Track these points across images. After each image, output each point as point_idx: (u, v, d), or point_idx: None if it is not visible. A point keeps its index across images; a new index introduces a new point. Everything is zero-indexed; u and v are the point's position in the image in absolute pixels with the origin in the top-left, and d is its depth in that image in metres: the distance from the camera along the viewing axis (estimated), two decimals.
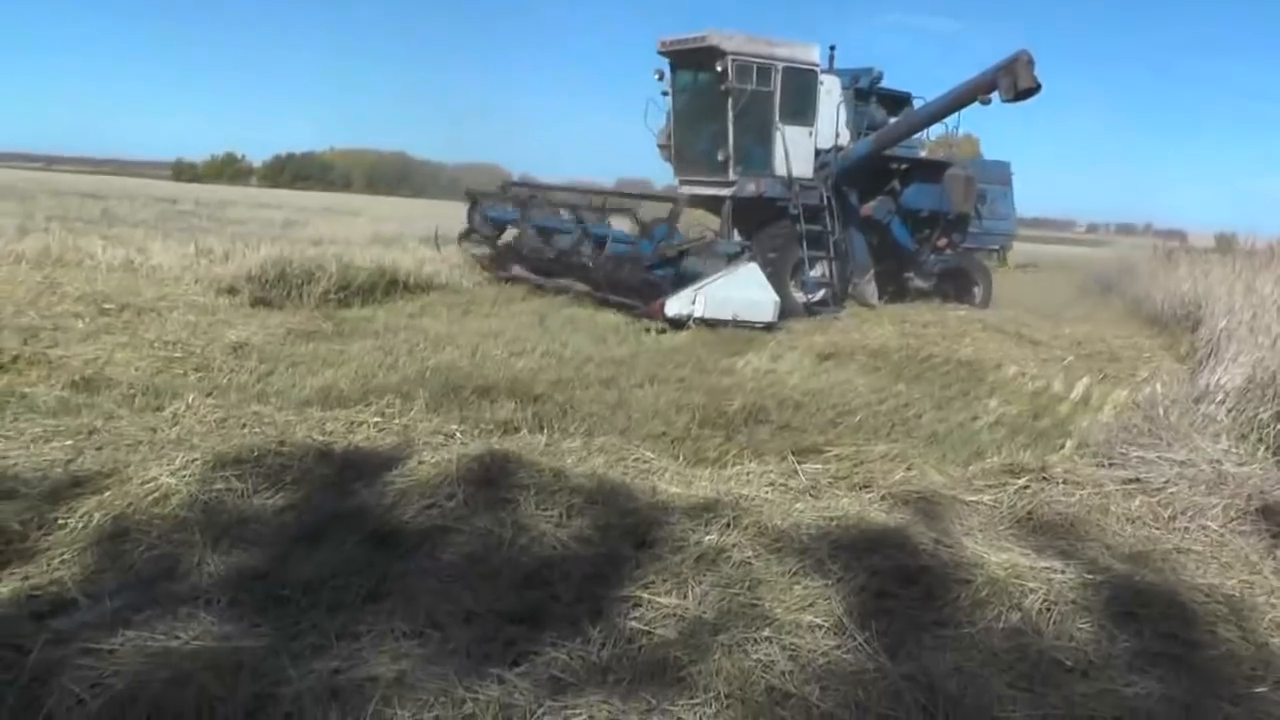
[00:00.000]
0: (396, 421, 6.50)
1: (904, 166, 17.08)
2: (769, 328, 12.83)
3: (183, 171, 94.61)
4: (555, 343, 10.97)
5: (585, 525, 4.72)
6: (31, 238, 15.30)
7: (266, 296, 12.37)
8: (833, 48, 16.81)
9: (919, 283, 17.92)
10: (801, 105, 15.76)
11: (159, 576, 3.98)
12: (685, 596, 4.06)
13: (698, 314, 12.40)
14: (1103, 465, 6.47)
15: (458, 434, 6.35)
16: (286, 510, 4.79)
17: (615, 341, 11.69)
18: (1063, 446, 7.54)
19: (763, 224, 15.68)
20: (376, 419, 6.50)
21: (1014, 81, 12.89)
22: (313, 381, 7.98)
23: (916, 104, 17.23)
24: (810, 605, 4.03)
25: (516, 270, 15.66)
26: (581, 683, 3.44)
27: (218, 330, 9.75)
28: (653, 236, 13.98)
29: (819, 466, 6.04)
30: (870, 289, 16.81)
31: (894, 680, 3.51)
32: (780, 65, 15.37)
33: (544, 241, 15.65)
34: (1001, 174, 19.39)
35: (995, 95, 13.65)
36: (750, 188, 15.72)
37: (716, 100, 15.40)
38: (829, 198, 15.57)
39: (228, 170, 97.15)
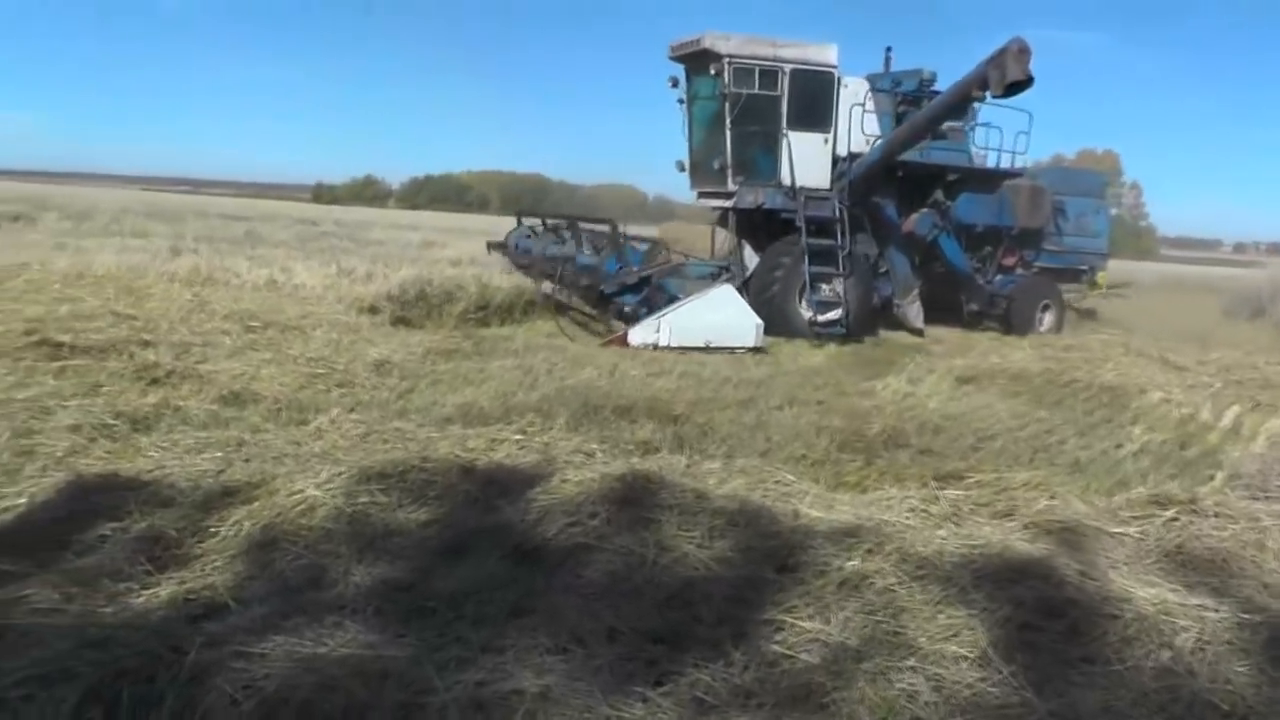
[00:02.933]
0: (537, 440, 6.67)
1: (952, 177, 16.07)
2: (755, 351, 12.50)
3: (323, 194, 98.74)
4: (693, 363, 11.15)
5: (727, 547, 4.77)
6: (182, 258, 16.17)
7: (407, 315, 12.87)
8: (888, 49, 16.40)
9: (974, 306, 16.81)
10: (815, 110, 15.03)
11: (306, 585, 4.18)
12: (828, 622, 4.06)
13: (663, 342, 12.13)
14: (1257, 498, 6.24)
15: (598, 453, 6.46)
16: (430, 524, 4.97)
17: (753, 362, 11.85)
18: (1213, 478, 7.32)
19: (773, 238, 15.11)
20: (518, 437, 6.68)
21: (1002, 74, 11.87)
22: (453, 399, 8.23)
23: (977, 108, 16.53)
24: (954, 635, 3.99)
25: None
26: (725, 705, 3.47)
27: (360, 348, 10.15)
28: (624, 259, 13.93)
29: (960, 493, 5.98)
30: (913, 310, 15.90)
31: (1041, 717, 3.45)
32: (788, 67, 14.74)
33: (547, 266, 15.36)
34: (1091, 186, 18.06)
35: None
36: (750, 199, 15.24)
37: (720, 106, 15.03)
38: (842, 210, 14.58)
39: (366, 192, 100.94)
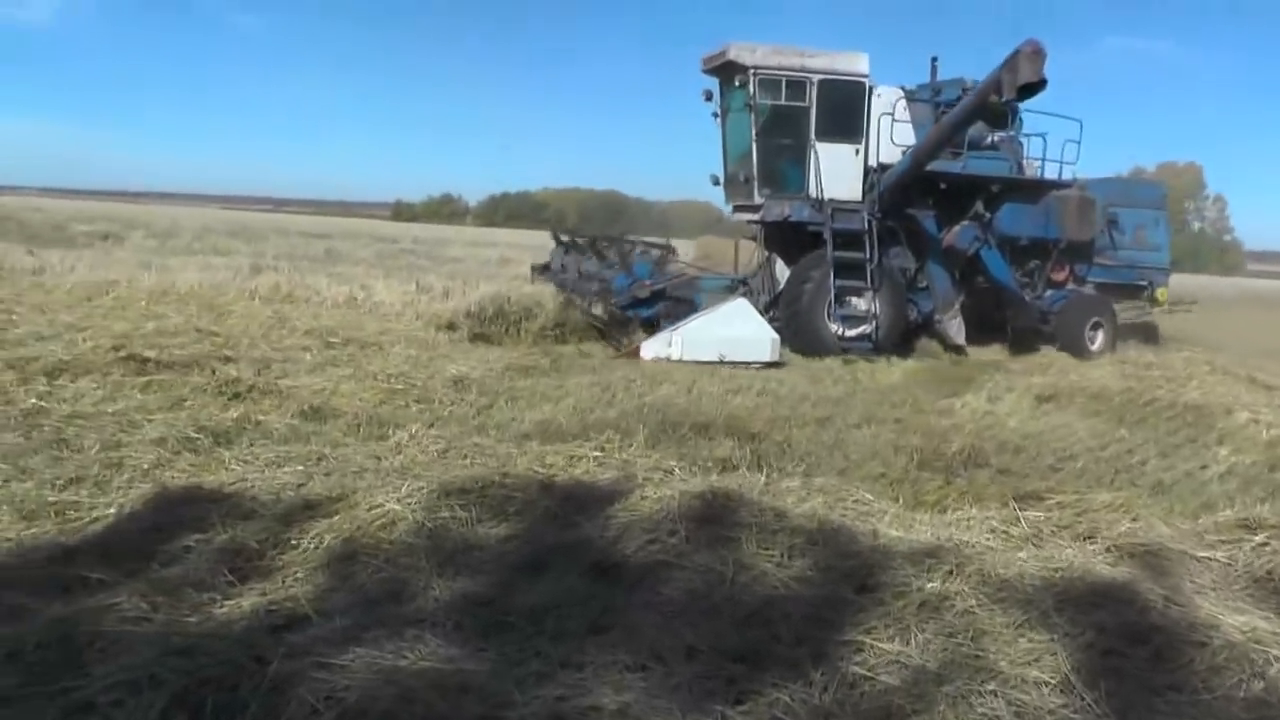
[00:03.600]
0: (616, 456, 6.70)
1: (995, 188, 15.55)
2: (771, 366, 12.40)
3: (401, 212, 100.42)
4: (771, 381, 11.17)
5: (806, 566, 4.75)
6: (263, 275, 16.56)
7: (485, 332, 13.02)
8: (934, 59, 16.06)
9: (1020, 322, 16.04)
10: (844, 120, 14.74)
11: (387, 598, 4.23)
12: (908, 644, 4.02)
13: (675, 356, 12.15)
14: None
15: (677, 470, 6.47)
16: (510, 540, 5.01)
17: (830, 381, 11.81)
18: None
19: (804, 251, 14.81)
20: (596, 453, 6.72)
21: (1015, 77, 11.41)
22: (531, 415, 8.29)
23: (1025, 117, 16.17)
24: (1036, 660, 3.93)
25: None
26: None
27: (438, 364, 10.29)
28: (633, 273, 14.00)
29: (1040, 514, 5.88)
30: (954, 326, 15.40)
31: None
32: (816, 78, 14.51)
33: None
34: (1149, 198, 17.26)
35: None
36: (776, 211, 15.05)
37: (748, 118, 14.86)
38: (871, 222, 14.34)
39: (444, 210, 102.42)
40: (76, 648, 3.53)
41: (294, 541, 4.78)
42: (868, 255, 14.12)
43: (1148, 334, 17.68)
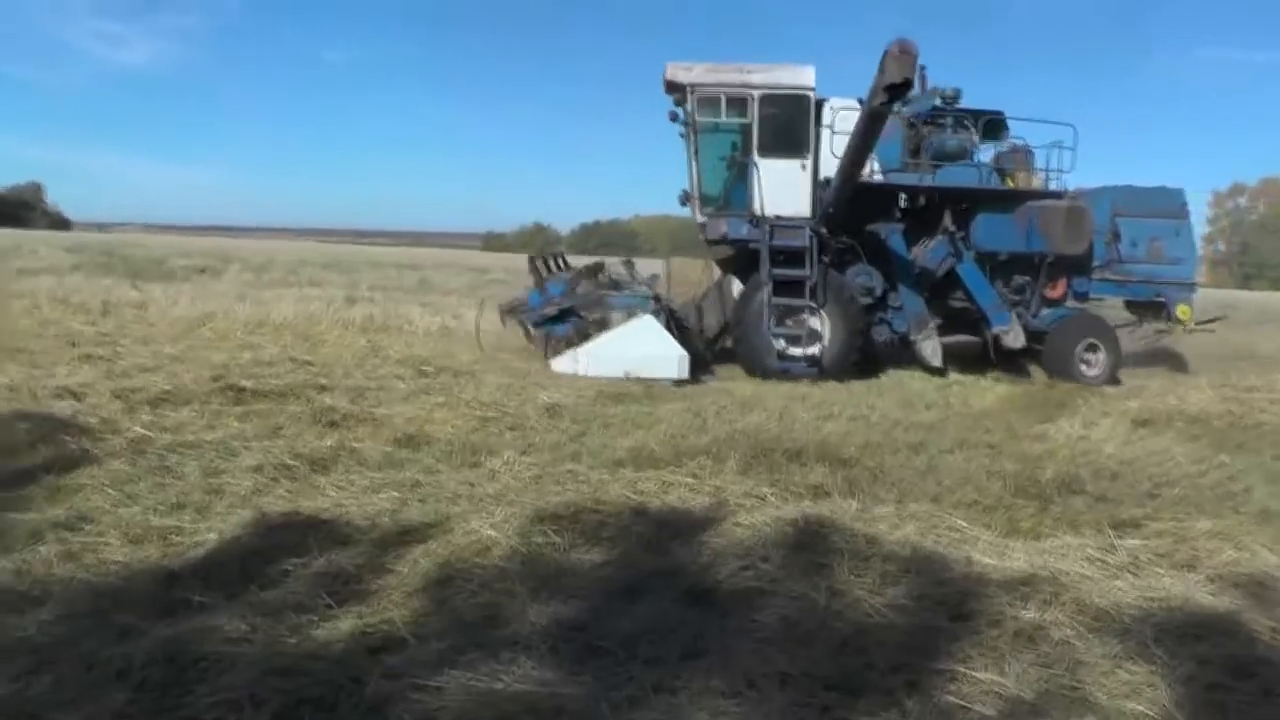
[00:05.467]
0: (709, 483, 6.79)
1: (964, 202, 15.01)
2: (681, 384, 12.34)
3: (493, 242, 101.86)
4: (863, 406, 11.14)
5: (900, 594, 4.76)
6: (357, 306, 16.98)
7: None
8: (922, 67, 15.19)
9: (1009, 342, 15.10)
10: (788, 135, 14.40)
11: (482, 622, 4.32)
12: (1004, 673, 3.99)
13: (582, 372, 12.30)
14: None
15: (769, 496, 6.52)
16: (604, 565, 5.09)
17: (922, 406, 11.74)
18: None
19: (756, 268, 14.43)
20: (689, 480, 6.81)
21: (881, 78, 10.68)
22: (624, 442, 8.37)
23: (1011, 125, 15.73)
24: (1135, 693, 3.88)
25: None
26: None
27: (530, 392, 10.43)
28: (545, 291, 14.10)
29: (1138, 542, 5.82)
30: (929, 347, 14.81)
31: None
32: (756, 93, 14.28)
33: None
34: (1166, 207, 15.67)
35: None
36: (715, 230, 14.94)
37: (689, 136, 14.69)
38: (813, 239, 13.93)
39: (536, 239, 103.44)
40: (181, 667, 3.69)
41: (390, 566, 4.92)
42: (808, 272, 13.87)
43: (1169, 356, 16.83)
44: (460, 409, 9.25)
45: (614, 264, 16.76)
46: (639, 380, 12.03)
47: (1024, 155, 15.57)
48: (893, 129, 14.81)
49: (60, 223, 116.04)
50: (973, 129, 15.57)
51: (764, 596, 4.65)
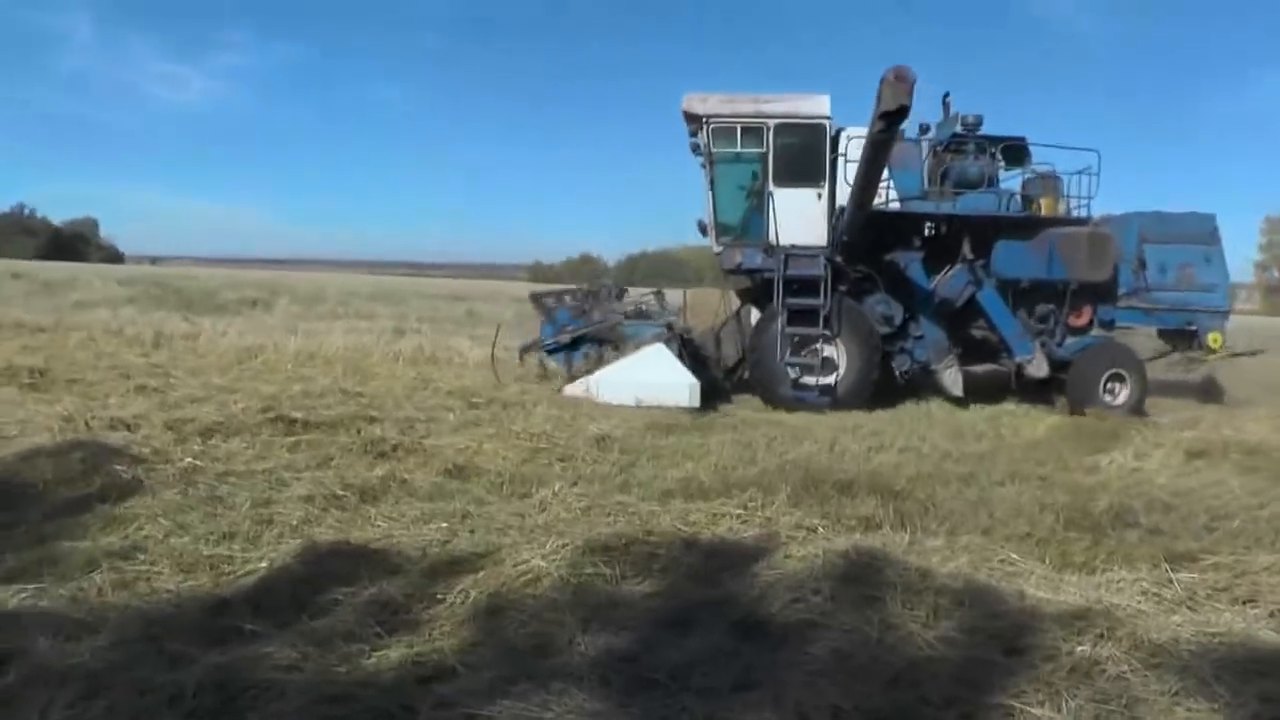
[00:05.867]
0: (759, 514, 6.76)
1: (984, 232, 14.77)
2: (696, 411, 12.42)
3: (541, 273, 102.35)
4: (913, 437, 11.09)
5: (952, 627, 4.70)
6: (406, 338, 17.12)
7: None
8: (945, 95, 15.53)
9: (1032, 371, 14.82)
10: (804, 164, 14.49)
11: (532, 652, 4.31)
12: (1059, 709, 3.92)
13: (594, 398, 12.56)
14: None
15: (820, 528, 6.50)
16: (654, 596, 5.07)
17: (973, 437, 11.66)
18: None
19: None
20: (739, 511, 6.78)
21: (878, 106, 10.47)
22: (674, 473, 8.36)
23: (1035, 151, 15.45)
24: None
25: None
26: None
27: (580, 423, 10.46)
28: (555, 321, 14.38)
29: (1195, 576, 5.72)
30: (949, 376, 14.67)
31: None
32: (772, 123, 14.33)
33: None
34: (1196, 232, 15.21)
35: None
36: (731, 260, 15.01)
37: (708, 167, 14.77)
38: (828, 267, 13.96)
39: (584, 270, 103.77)
40: (232, 694, 3.72)
41: (440, 596, 4.92)
42: (825, 303, 13.87)
43: (1205, 386, 16.39)
44: (510, 440, 9.28)
45: (645, 294, 16.96)
46: (651, 408, 12.18)
47: (1052, 181, 15.36)
48: (912, 157, 14.95)
49: (114, 256, 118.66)
50: (996, 156, 15.38)
51: (815, 629, 4.61)
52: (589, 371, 13.36)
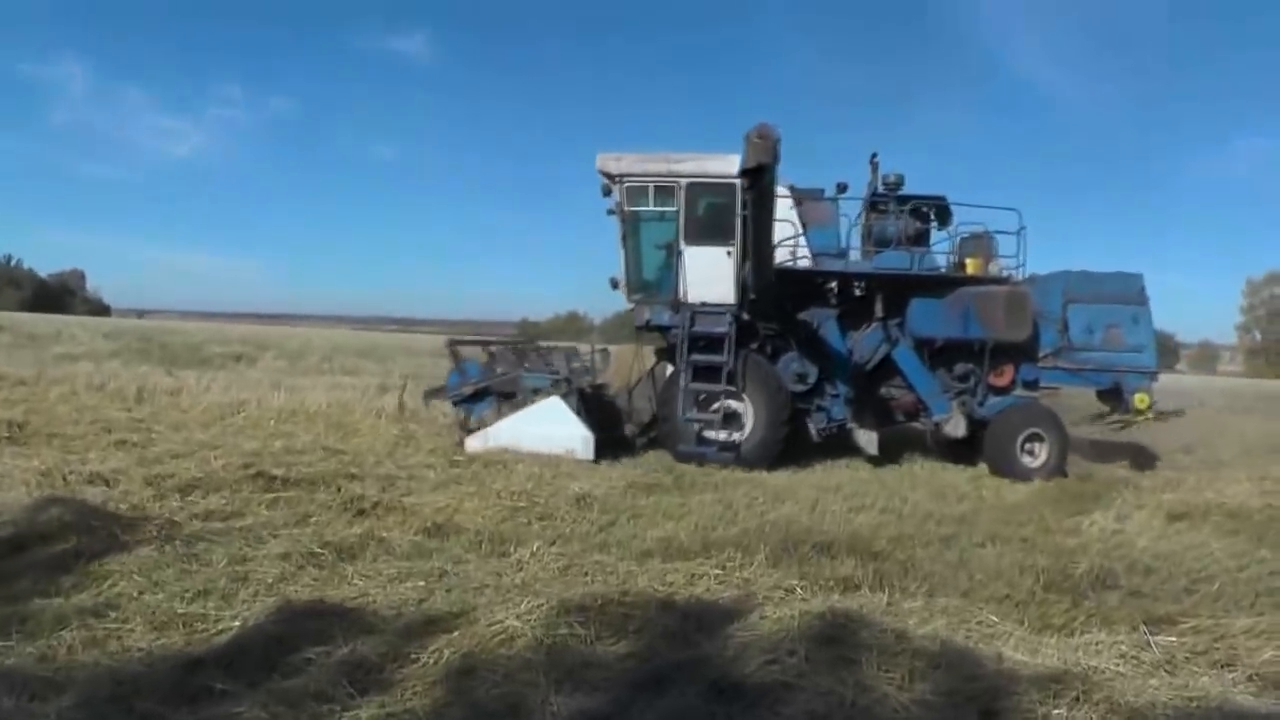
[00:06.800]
0: (737, 575, 6.80)
1: (899, 290, 14.88)
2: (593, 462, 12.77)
3: (528, 329, 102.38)
4: (895, 498, 11.11)
5: (928, 690, 4.72)
6: (389, 394, 17.09)
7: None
8: (873, 155, 15.63)
9: (949, 430, 14.78)
10: (715, 223, 14.50)
11: (504, 713, 4.33)
12: None
13: (492, 448, 12.79)
14: None
15: (798, 589, 6.51)
16: (628, 657, 5.08)
17: (955, 498, 11.73)
18: None
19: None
20: (717, 571, 6.81)
21: (741, 162, 10.42)
22: (653, 533, 8.38)
23: (954, 209, 15.49)
24: None
25: None
26: None
27: (561, 482, 10.48)
28: (464, 372, 14.73)
29: (1174, 639, 5.76)
30: (863, 436, 14.80)
31: None
32: (684, 182, 14.39)
33: None
34: (1123, 292, 15.10)
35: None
36: (641, 316, 15.22)
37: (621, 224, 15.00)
38: (732, 325, 14.01)
39: (570, 328, 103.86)
40: None
41: (414, 656, 4.93)
42: (725, 358, 13.89)
43: (1127, 448, 16.36)
44: (490, 499, 9.31)
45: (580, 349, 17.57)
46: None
47: (984, 241, 15.41)
48: (828, 215, 15.11)
49: (100, 309, 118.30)
50: (915, 216, 15.45)
51: (790, 691, 4.63)
52: (488, 424, 13.63)
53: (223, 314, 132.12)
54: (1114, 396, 15.20)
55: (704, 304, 14.41)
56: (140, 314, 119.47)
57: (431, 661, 4.86)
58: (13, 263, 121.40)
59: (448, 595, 6.07)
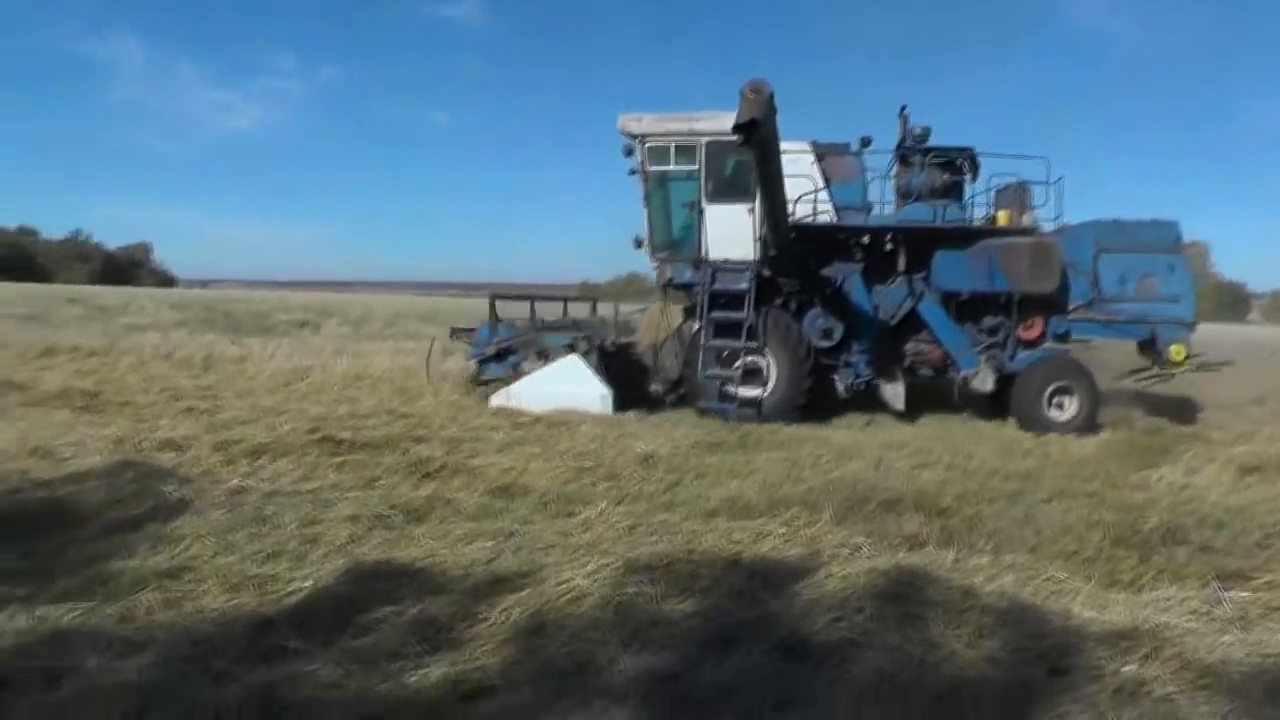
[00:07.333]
0: (803, 533, 6.78)
1: (913, 240, 14.75)
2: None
3: (589, 291, 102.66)
4: (960, 454, 10.98)
5: (996, 647, 4.69)
6: (453, 358, 17.20)
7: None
8: (903, 109, 15.49)
9: (977, 385, 14.60)
10: (736, 180, 14.51)
11: (573, 671, 4.35)
12: None
13: (514, 407, 13.16)
14: None
15: (864, 547, 6.50)
16: (696, 616, 5.08)
17: (1020, 454, 11.56)
18: None
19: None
20: (783, 530, 6.80)
21: (734, 118, 10.26)
22: (718, 492, 8.38)
23: (982, 160, 15.32)
24: None
25: None
26: None
27: (625, 442, 10.51)
28: (476, 342, 15.08)
29: (1247, 595, 5.65)
30: (889, 390, 14.73)
31: None
32: (704, 140, 14.36)
33: None
34: (1158, 241, 14.59)
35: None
36: (664, 274, 15.33)
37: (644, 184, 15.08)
38: (752, 282, 14.03)
39: (630, 289, 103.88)
40: (276, 712, 3.80)
41: (483, 615, 4.97)
42: (746, 314, 13.94)
43: (1164, 401, 15.92)
44: (555, 460, 9.35)
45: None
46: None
47: (1019, 191, 15.13)
48: (853, 170, 15.05)
49: (166, 280, 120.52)
50: (947, 169, 15.30)
51: (858, 648, 4.62)
52: (510, 382, 14.03)
53: (284, 282, 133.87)
54: (1152, 349, 14.86)
55: (726, 261, 14.48)
56: (204, 284, 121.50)
57: (501, 620, 4.90)
58: (82, 237, 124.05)
59: (515, 555, 6.10)
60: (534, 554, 6.13)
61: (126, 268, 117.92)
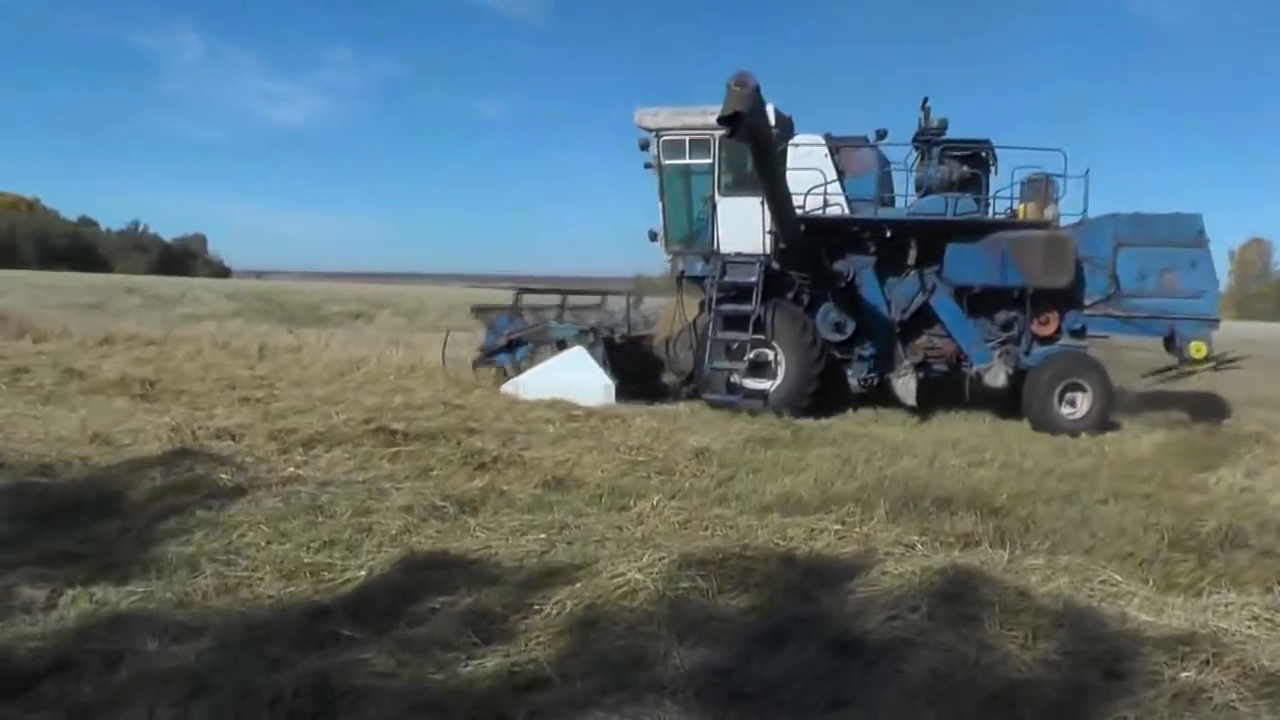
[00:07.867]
0: (857, 530, 6.75)
1: (925, 234, 14.46)
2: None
3: (643, 284, 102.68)
4: (1014, 453, 10.92)
5: (1051, 649, 4.63)
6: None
7: None
8: (924, 100, 15.33)
9: (989, 381, 14.30)
10: (750, 174, 13.89)
11: (627, 665, 4.36)
12: None
13: (521, 397, 13.46)
14: None
15: (918, 545, 6.45)
16: (749, 611, 5.08)
17: (1075, 453, 11.45)
18: None
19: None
20: (837, 526, 6.78)
21: (721, 110, 10.24)
22: (772, 487, 8.37)
23: (999, 153, 15.17)
24: None
25: None
26: None
27: (679, 436, 10.53)
28: (494, 327, 15.39)
29: None
30: (901, 385, 14.33)
31: None
32: (718, 134, 13.82)
33: None
34: (1180, 235, 14.11)
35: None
36: (677, 267, 15.39)
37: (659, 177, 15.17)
38: (760, 275, 14.04)
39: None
40: (329, 698, 3.84)
41: (536, 606, 5.00)
42: (753, 307, 13.94)
43: (1190, 398, 15.51)
44: (609, 453, 9.38)
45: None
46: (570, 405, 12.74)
47: (1043, 185, 14.81)
48: (868, 162, 15.02)
49: (221, 271, 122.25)
50: (968, 162, 15.14)
51: (911, 648, 4.58)
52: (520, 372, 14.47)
53: (339, 273, 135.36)
54: (1172, 345, 14.47)
55: (736, 254, 14.56)
56: (259, 275, 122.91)
57: (554, 612, 4.92)
58: (139, 228, 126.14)
59: (569, 548, 6.14)
60: (588, 547, 6.16)
61: (182, 258, 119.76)
